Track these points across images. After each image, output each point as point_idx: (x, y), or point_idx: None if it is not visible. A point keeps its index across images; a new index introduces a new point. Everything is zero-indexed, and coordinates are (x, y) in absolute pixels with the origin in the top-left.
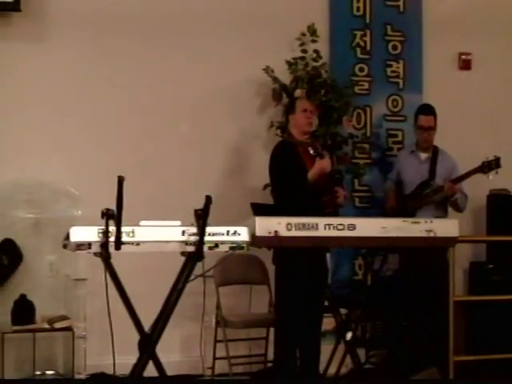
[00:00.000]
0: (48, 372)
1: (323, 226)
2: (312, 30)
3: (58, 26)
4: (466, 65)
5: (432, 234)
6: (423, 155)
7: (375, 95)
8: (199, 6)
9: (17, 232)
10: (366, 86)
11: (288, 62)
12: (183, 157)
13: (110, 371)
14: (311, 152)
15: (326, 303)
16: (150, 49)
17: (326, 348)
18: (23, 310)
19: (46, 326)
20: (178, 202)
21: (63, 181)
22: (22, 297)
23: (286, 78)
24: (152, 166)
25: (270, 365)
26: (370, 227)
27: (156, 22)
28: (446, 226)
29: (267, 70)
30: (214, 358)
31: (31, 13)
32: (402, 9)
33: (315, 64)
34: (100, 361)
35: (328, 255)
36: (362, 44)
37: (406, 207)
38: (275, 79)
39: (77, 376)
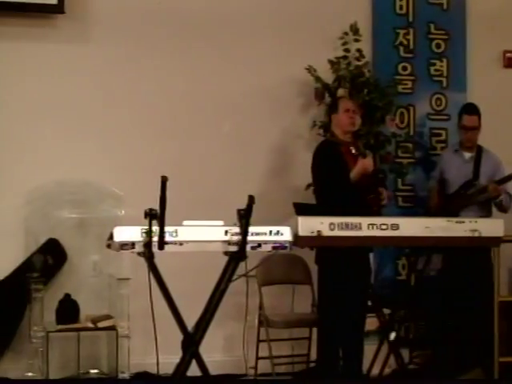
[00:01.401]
0: (92, 371)
1: (366, 226)
2: (354, 29)
3: (101, 27)
4: (510, 63)
5: (477, 234)
6: (467, 154)
7: (418, 94)
8: (241, 6)
9: (61, 232)
10: (410, 84)
11: (330, 62)
12: (226, 157)
13: (153, 370)
14: (353, 151)
15: (370, 303)
16: (193, 49)
17: (369, 348)
18: (68, 310)
19: (90, 325)
20: (220, 201)
21: (107, 181)
22: (67, 296)
23: (328, 77)
24: (195, 166)
25: (312, 365)
26: (413, 227)
27: (198, 23)
28: (491, 226)
29: (310, 69)
30: (257, 358)
31: (75, 14)
32: (445, 7)
33: (358, 63)
34: (143, 360)
35: (371, 255)
36: (405, 43)
37: (449, 207)
38: (318, 79)
39: (120, 375)
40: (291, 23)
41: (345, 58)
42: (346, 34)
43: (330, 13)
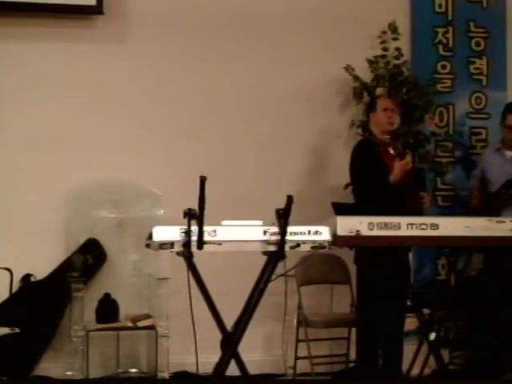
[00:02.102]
0: (131, 370)
1: (405, 226)
2: (393, 28)
3: (140, 27)
4: None
5: None
6: (509, 153)
7: (458, 93)
8: (279, 6)
9: (101, 232)
10: (449, 83)
11: (369, 61)
12: (264, 156)
13: (192, 370)
14: (392, 151)
15: (409, 303)
16: (229, 49)
17: (408, 348)
18: (107, 309)
19: (130, 324)
20: (259, 201)
21: (146, 181)
22: (106, 296)
23: (366, 76)
24: (233, 165)
25: (351, 365)
26: (453, 226)
27: (235, 23)
28: None
29: (348, 68)
30: (296, 358)
31: (113, 15)
32: (485, 4)
33: (396, 62)
34: (183, 359)
35: (410, 254)
36: (444, 41)
37: (490, 206)
38: (356, 78)
39: (160, 374)
40: (329, 22)
41: (383, 56)
42: (385, 32)
43: (369, 11)
